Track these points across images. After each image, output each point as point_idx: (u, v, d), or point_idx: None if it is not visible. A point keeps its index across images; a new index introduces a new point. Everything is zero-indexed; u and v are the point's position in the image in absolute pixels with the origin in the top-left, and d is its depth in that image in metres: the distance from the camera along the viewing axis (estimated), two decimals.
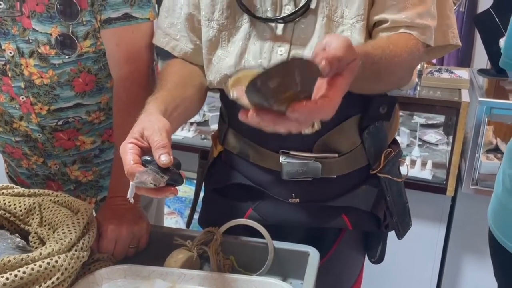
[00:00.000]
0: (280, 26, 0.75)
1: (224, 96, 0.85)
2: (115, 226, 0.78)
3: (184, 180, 0.62)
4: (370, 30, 0.76)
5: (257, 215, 0.83)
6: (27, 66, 0.87)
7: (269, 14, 0.75)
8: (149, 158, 0.60)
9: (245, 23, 0.77)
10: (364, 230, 0.86)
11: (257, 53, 0.76)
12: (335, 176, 0.79)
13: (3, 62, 0.87)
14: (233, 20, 0.78)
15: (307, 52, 0.74)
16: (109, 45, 0.88)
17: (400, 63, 0.68)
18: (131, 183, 0.59)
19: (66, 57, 0.86)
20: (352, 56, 0.52)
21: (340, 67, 0.50)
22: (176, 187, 0.61)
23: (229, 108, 0.85)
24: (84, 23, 0.84)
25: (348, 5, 0.72)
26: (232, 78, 0.53)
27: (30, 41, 0.85)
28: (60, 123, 0.93)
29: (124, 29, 0.85)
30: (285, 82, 0.46)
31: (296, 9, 0.73)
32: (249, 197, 0.85)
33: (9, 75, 0.87)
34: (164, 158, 0.58)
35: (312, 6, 0.73)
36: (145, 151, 0.61)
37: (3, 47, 0.85)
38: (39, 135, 0.94)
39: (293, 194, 0.81)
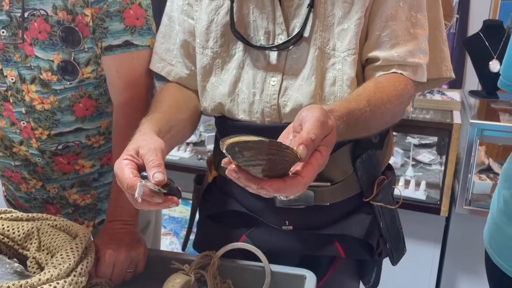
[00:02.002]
0: (274, 55, 0.77)
1: (219, 123, 0.86)
2: (113, 250, 0.79)
3: (181, 198, 0.62)
4: (364, 64, 0.77)
5: (251, 241, 0.83)
6: (28, 92, 0.88)
7: (263, 43, 0.77)
8: (146, 174, 0.61)
9: (238, 51, 0.79)
10: (356, 258, 0.86)
11: (250, 82, 0.78)
12: (328, 204, 0.80)
13: (4, 88, 0.88)
14: (227, 48, 0.80)
15: (298, 83, 0.76)
16: (110, 71, 0.90)
17: (387, 110, 0.69)
18: (138, 183, 0.58)
19: (68, 83, 0.88)
20: (327, 132, 0.56)
21: (316, 145, 0.54)
22: (175, 202, 0.60)
23: (223, 135, 0.87)
24: (86, 50, 0.87)
25: (340, 38, 0.74)
26: (229, 140, 0.57)
27: (32, 67, 0.86)
28: (60, 147, 0.94)
29: (124, 56, 0.87)
30: (256, 157, 0.51)
31: (290, 37, 0.75)
32: (243, 224, 0.85)
33: (11, 100, 0.89)
34: (158, 176, 0.59)
35: (306, 34, 0.74)
36: (139, 169, 0.62)
37: (5, 74, 0.87)
38: (38, 160, 0.95)
39: (287, 221, 0.81)
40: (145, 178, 0.60)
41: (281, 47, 0.76)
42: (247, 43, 0.77)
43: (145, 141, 0.64)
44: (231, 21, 0.78)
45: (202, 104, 0.84)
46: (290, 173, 0.54)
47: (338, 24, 0.74)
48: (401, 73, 0.74)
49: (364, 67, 0.77)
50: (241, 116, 0.80)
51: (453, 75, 0.83)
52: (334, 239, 0.82)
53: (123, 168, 0.61)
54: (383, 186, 0.81)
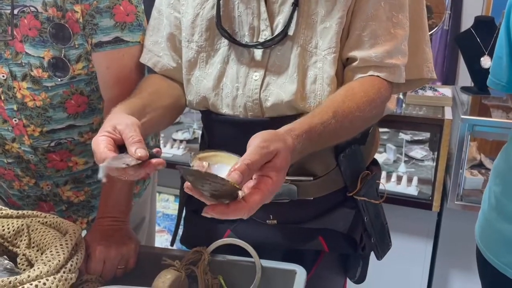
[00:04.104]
0: (258, 51, 0.77)
1: (204, 117, 0.87)
2: (104, 247, 0.79)
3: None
4: (344, 64, 0.77)
5: (236, 236, 0.83)
6: (19, 89, 0.88)
7: (247, 39, 0.78)
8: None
9: (223, 45, 0.79)
10: (340, 252, 0.87)
11: (234, 77, 0.78)
12: (311, 198, 0.80)
13: None
14: (211, 42, 0.80)
15: (281, 80, 0.76)
16: (100, 68, 0.90)
17: (356, 117, 0.70)
18: (100, 165, 0.58)
19: (59, 79, 0.88)
20: (267, 156, 0.56)
21: (256, 170, 0.55)
22: (161, 164, 0.60)
23: (209, 130, 0.88)
24: (77, 46, 0.87)
25: (322, 36, 0.74)
26: (199, 155, 0.59)
27: (23, 64, 0.86)
28: (52, 144, 0.94)
29: (114, 52, 0.87)
30: (198, 183, 0.54)
31: (274, 35, 0.75)
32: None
33: (2, 98, 0.89)
34: (140, 152, 0.59)
35: (290, 33, 0.75)
36: (117, 143, 0.62)
37: None
38: (31, 157, 0.94)
39: (271, 216, 0.81)
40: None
41: (266, 45, 0.76)
42: (233, 40, 0.78)
43: (120, 118, 0.65)
44: (217, 18, 0.78)
45: (187, 98, 0.85)
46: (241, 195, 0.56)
47: (321, 22, 0.74)
48: (377, 76, 0.74)
49: (345, 67, 0.77)
50: (225, 110, 0.80)
51: (434, 76, 0.83)
52: (317, 233, 0.82)
53: (99, 144, 0.61)
54: (367, 181, 0.82)
